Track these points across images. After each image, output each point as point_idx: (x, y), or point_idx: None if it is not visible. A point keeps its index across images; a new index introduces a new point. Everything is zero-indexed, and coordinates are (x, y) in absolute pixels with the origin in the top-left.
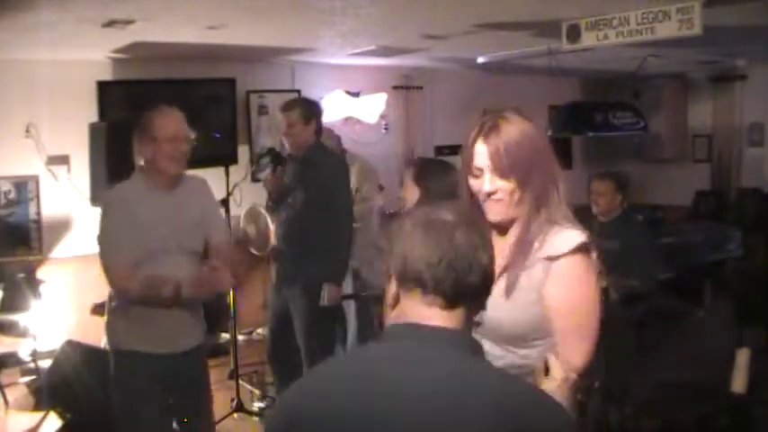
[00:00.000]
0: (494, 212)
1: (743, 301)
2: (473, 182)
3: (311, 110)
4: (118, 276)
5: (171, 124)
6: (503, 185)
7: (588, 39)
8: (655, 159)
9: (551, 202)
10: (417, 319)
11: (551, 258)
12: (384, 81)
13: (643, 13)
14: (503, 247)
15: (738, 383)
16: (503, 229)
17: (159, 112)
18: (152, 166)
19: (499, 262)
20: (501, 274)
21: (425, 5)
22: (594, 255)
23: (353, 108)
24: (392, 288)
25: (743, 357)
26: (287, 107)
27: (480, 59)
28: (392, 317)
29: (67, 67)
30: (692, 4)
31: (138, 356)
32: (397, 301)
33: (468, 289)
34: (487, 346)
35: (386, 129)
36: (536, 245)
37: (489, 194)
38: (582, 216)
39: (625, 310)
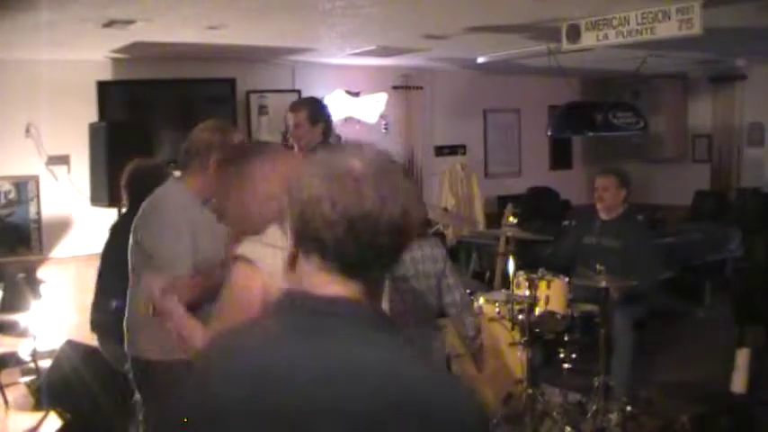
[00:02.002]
0: None
1: (743, 301)
2: None
3: (319, 111)
4: (181, 290)
5: None
6: None
7: (588, 39)
8: (655, 159)
9: None
10: (312, 286)
11: None
12: (384, 81)
13: (643, 13)
14: None
15: (738, 383)
16: None
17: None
18: (203, 183)
19: None
20: None
21: (425, 5)
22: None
23: (353, 108)
24: (291, 246)
25: (743, 357)
26: (294, 107)
27: (480, 59)
28: (288, 280)
29: (67, 67)
30: (692, 4)
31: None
32: (294, 261)
33: (373, 252)
34: None
35: (386, 129)
36: None
37: None
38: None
39: (625, 310)
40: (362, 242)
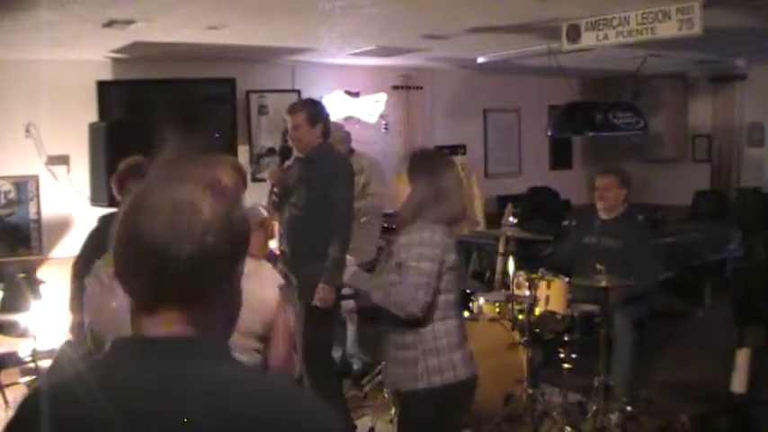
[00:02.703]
0: None
1: (743, 301)
2: None
3: (317, 112)
4: None
5: None
6: None
7: (588, 39)
8: (655, 159)
9: None
10: (138, 327)
11: None
12: (384, 81)
13: (643, 14)
14: None
15: (738, 383)
16: None
17: None
18: None
19: None
20: None
21: (425, 5)
22: None
23: (353, 108)
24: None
25: (743, 357)
26: (292, 110)
27: (480, 59)
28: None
29: (67, 67)
30: (692, 4)
31: None
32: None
33: (168, 288)
34: None
35: (386, 129)
36: None
37: None
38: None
39: (625, 310)
40: (159, 282)
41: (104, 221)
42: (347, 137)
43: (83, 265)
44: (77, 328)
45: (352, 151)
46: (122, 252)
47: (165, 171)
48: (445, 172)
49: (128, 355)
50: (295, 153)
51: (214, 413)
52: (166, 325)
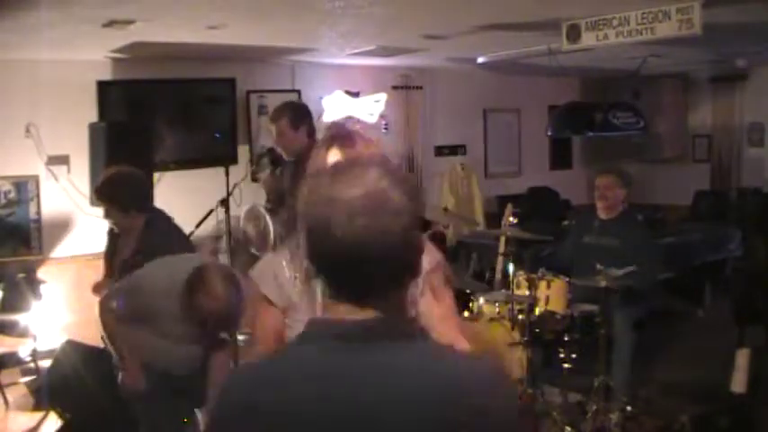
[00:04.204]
0: None
1: (743, 301)
2: None
3: (299, 114)
4: None
5: None
6: None
7: (588, 39)
8: (655, 159)
9: None
10: (334, 313)
11: None
12: (384, 81)
13: (643, 13)
14: None
15: (738, 383)
16: None
17: None
18: None
19: None
20: None
21: (425, 5)
22: None
23: (353, 108)
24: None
25: (743, 357)
26: (274, 116)
27: (480, 59)
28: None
29: (67, 67)
30: (692, 3)
31: None
32: (308, 277)
33: (381, 278)
34: None
35: (386, 129)
36: None
37: None
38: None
39: (625, 310)
40: (362, 272)
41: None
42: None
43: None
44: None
45: None
46: (320, 246)
47: (341, 167)
48: None
49: (329, 338)
50: (285, 157)
51: (415, 395)
52: (365, 311)
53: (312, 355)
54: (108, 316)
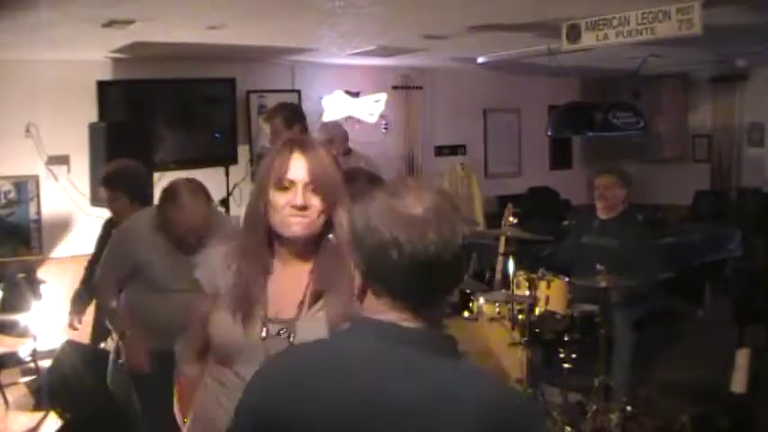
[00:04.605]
0: (300, 226)
1: (743, 301)
2: (279, 195)
3: (292, 114)
4: None
5: None
6: (315, 202)
7: (588, 39)
8: (655, 159)
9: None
10: (383, 315)
11: None
12: (384, 81)
13: (643, 13)
14: (302, 271)
15: (738, 383)
16: (301, 253)
17: None
18: None
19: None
20: (317, 299)
21: (425, 5)
22: None
23: (353, 108)
24: (359, 282)
25: (743, 357)
26: (269, 116)
27: (480, 59)
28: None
29: (67, 67)
30: (692, 3)
31: None
32: (363, 295)
33: (439, 290)
34: None
35: (386, 129)
36: None
37: (301, 208)
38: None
39: (625, 310)
40: (428, 283)
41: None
42: (343, 136)
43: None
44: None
45: (349, 151)
46: (384, 259)
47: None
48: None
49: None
50: None
51: (452, 408)
52: (416, 320)
53: (363, 351)
54: (106, 288)
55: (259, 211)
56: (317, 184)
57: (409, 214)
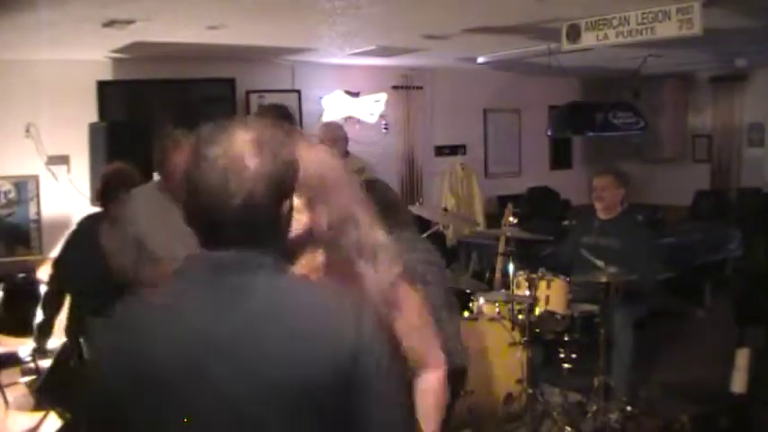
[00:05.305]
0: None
1: (743, 301)
2: None
3: (280, 115)
4: None
5: None
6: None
7: (588, 39)
8: (655, 159)
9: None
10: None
11: None
12: (384, 81)
13: (643, 13)
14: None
15: (738, 383)
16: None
17: None
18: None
19: None
20: None
21: (425, 5)
22: None
23: (353, 108)
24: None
25: (743, 357)
26: (258, 117)
27: (480, 59)
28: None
29: (67, 67)
30: (692, 4)
31: None
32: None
33: (230, 225)
34: None
35: (386, 129)
36: None
37: None
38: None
39: (625, 309)
40: (217, 218)
41: (85, 223)
42: (344, 137)
43: (59, 269)
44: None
45: (347, 154)
46: (190, 204)
47: (216, 134)
48: None
49: (197, 268)
50: None
51: (272, 317)
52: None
53: (186, 288)
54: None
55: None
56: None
57: (203, 153)
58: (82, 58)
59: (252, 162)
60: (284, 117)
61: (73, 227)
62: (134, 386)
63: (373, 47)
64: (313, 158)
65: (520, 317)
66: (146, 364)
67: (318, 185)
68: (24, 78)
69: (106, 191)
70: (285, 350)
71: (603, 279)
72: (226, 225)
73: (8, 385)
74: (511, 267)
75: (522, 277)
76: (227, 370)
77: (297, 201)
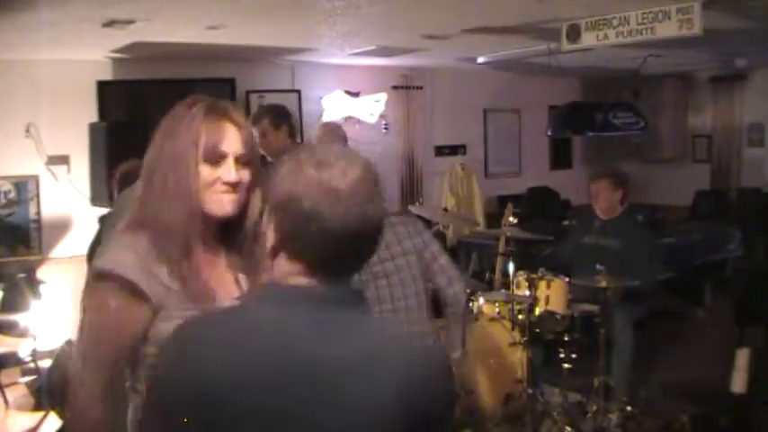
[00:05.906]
0: (232, 204)
1: (743, 301)
2: (208, 169)
3: (279, 115)
4: None
5: None
6: (245, 175)
7: (588, 39)
8: (655, 159)
9: None
10: (293, 280)
11: None
12: (384, 81)
13: (643, 13)
14: (220, 253)
15: (738, 383)
16: (218, 233)
17: None
18: None
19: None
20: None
21: (425, 5)
22: None
23: (353, 108)
24: (273, 242)
25: (743, 357)
26: (256, 118)
27: (480, 59)
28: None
29: (67, 67)
30: (692, 4)
31: None
32: (274, 256)
33: (354, 259)
34: None
35: (386, 129)
36: None
37: (234, 184)
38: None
39: (625, 309)
40: (343, 255)
41: (107, 220)
42: (343, 137)
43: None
44: None
45: None
46: (305, 230)
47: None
48: None
49: (299, 298)
50: (269, 158)
51: (378, 355)
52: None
53: (282, 317)
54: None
55: (190, 187)
56: (249, 156)
57: (334, 188)
58: (82, 58)
59: (378, 200)
60: (283, 116)
61: (96, 226)
62: (201, 401)
63: (373, 47)
64: None
65: (520, 317)
66: (224, 384)
67: None
68: (24, 78)
69: (123, 188)
70: (388, 389)
71: (603, 284)
72: (348, 258)
73: (8, 385)
74: (511, 267)
75: (522, 277)
76: (320, 400)
77: None
